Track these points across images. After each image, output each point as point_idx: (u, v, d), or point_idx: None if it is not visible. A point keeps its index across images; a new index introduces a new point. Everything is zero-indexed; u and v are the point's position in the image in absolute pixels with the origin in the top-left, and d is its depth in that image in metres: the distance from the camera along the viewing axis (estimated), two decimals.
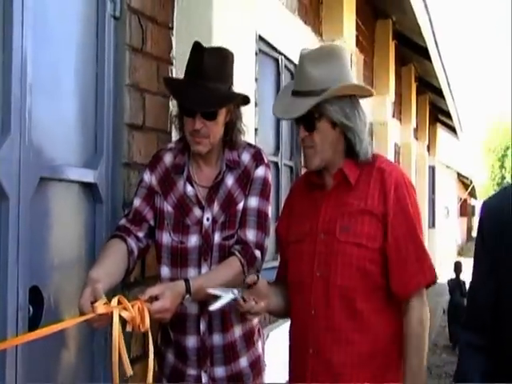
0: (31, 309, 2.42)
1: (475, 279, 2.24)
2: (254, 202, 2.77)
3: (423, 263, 2.50)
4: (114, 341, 2.25)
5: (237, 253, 2.69)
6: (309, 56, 2.50)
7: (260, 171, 2.80)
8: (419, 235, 2.51)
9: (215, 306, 2.46)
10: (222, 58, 2.74)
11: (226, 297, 2.45)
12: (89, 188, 2.86)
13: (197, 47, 2.74)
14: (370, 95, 2.63)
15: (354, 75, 7.94)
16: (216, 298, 2.46)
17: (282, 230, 2.74)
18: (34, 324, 2.41)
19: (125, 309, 2.28)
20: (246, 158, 2.82)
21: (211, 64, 2.68)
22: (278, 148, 5.77)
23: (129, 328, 2.32)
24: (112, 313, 2.25)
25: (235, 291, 2.46)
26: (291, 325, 2.69)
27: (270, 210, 2.83)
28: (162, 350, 2.89)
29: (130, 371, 2.32)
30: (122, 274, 2.60)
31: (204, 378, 2.80)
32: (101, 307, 2.24)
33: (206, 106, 2.69)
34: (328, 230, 2.52)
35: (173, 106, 2.92)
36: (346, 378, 2.48)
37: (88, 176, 2.83)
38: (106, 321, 2.28)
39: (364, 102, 2.59)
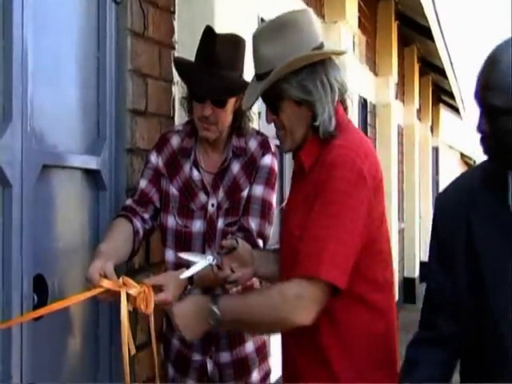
0: (36, 297, 2.41)
1: (430, 279, 2.14)
2: (258, 190, 2.76)
3: (318, 255, 2.10)
4: (122, 320, 2.25)
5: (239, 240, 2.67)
6: (260, 34, 2.27)
7: (266, 159, 2.78)
8: (334, 224, 2.12)
9: (185, 274, 2.36)
10: (235, 46, 2.72)
11: (200, 263, 2.33)
12: (92, 175, 2.84)
13: (208, 33, 2.71)
14: (339, 54, 2.36)
15: (357, 56, 7.91)
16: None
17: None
18: None
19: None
20: (252, 145, 2.80)
21: (224, 52, 2.66)
22: None
23: (130, 307, 2.30)
24: (118, 290, 2.25)
25: (210, 257, 2.34)
26: None
27: (275, 199, 2.81)
28: (168, 335, 2.90)
29: (133, 350, 2.33)
30: (128, 254, 2.59)
31: (209, 364, 2.81)
32: (107, 281, 2.24)
33: (219, 94, 2.68)
34: (286, 222, 2.38)
35: (182, 88, 2.87)
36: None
37: (91, 163, 2.82)
38: (112, 296, 2.28)
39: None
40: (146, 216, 2.73)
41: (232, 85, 2.70)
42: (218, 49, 2.65)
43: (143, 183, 2.77)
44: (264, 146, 2.80)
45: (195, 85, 2.72)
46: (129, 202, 2.75)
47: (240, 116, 2.77)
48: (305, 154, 2.29)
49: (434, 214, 2.13)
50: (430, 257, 2.14)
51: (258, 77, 2.30)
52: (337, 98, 2.27)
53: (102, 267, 2.26)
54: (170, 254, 2.79)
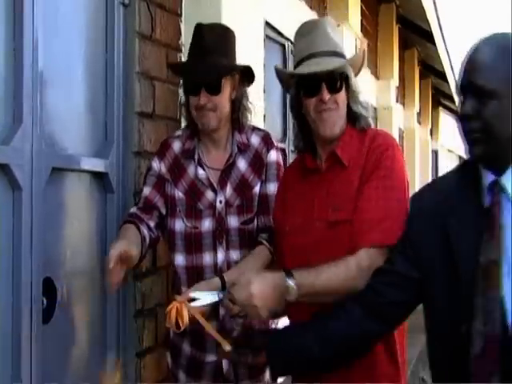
0: (45, 300, 2.41)
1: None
2: (272, 187, 2.78)
3: (382, 223, 2.24)
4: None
5: (264, 242, 2.70)
6: (326, 22, 2.47)
7: (272, 155, 2.82)
8: (392, 196, 2.29)
9: (194, 305, 2.37)
10: (222, 33, 2.81)
11: (209, 297, 2.35)
12: (100, 177, 2.84)
13: (197, 27, 2.79)
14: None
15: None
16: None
17: (277, 220, 2.57)
18: (47, 315, 2.40)
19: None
20: (255, 141, 2.83)
21: (210, 39, 2.73)
22: (285, 134, 5.74)
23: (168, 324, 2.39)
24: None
25: (220, 295, 2.34)
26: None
27: None
28: (177, 342, 2.85)
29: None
30: (138, 257, 2.57)
31: (224, 363, 2.77)
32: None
33: (207, 77, 2.71)
34: (321, 216, 2.36)
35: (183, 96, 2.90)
36: None
37: (99, 165, 2.81)
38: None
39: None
40: (152, 224, 2.73)
41: (220, 67, 2.73)
42: (206, 36, 2.73)
43: (147, 190, 2.77)
44: (267, 142, 2.83)
45: (185, 75, 2.80)
46: (133, 209, 2.75)
47: (237, 107, 2.79)
48: (342, 149, 2.38)
49: (409, 213, 2.15)
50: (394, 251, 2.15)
51: (319, 54, 2.38)
52: None
53: (125, 246, 2.36)
54: (179, 259, 2.78)
